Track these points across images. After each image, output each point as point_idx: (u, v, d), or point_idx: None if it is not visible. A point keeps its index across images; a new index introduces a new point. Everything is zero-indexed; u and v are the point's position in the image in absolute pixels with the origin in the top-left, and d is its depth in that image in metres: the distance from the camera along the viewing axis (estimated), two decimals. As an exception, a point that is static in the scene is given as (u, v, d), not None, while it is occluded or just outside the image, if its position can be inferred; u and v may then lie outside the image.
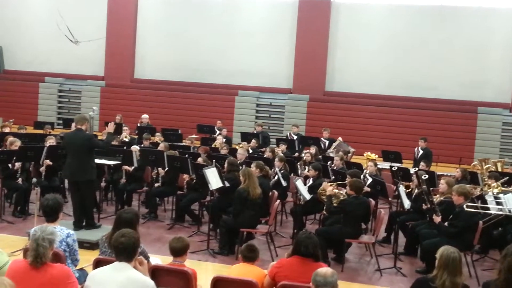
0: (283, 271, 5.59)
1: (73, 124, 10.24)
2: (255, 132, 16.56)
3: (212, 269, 8.13)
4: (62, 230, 5.76)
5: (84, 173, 9.06)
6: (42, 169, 10.64)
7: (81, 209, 9.19)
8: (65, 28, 19.69)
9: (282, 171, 10.89)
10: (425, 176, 8.83)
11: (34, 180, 9.61)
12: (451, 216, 8.45)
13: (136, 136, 15.33)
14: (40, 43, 23.50)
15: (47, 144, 10.98)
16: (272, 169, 11.05)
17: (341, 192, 9.17)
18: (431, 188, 9.00)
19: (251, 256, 5.97)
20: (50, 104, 23.34)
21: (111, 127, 9.58)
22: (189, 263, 5.97)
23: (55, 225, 5.66)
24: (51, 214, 5.89)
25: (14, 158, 10.25)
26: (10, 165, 10.28)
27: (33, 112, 22.73)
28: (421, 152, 15.13)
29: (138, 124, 16.64)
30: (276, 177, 10.80)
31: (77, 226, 8.97)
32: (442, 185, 9.38)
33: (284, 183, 10.75)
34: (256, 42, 21.82)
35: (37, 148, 10.75)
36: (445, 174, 12.97)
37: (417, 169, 11.52)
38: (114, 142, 12.34)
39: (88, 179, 9.14)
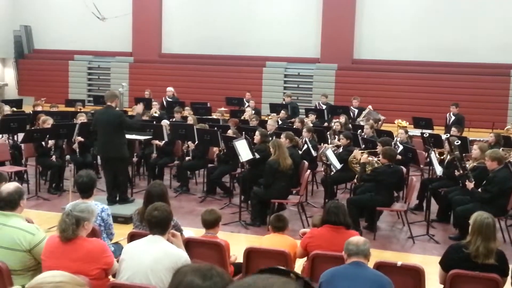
0: (315, 241, 5.62)
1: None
2: (283, 103, 16.50)
3: (244, 240, 8.18)
4: (96, 205, 5.87)
5: (115, 150, 9.13)
6: (75, 146, 10.79)
7: (114, 184, 9.31)
8: (91, 5, 19.77)
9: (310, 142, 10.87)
10: (457, 142, 8.72)
11: (68, 157, 9.78)
12: (484, 182, 8.35)
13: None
14: (68, 21, 23.67)
15: (78, 121, 11.12)
16: (300, 139, 11.02)
17: (374, 159, 9.13)
18: (464, 154, 8.89)
19: (280, 226, 6.01)
20: (80, 82, 23.59)
21: (140, 108, 9.68)
22: (222, 235, 6.03)
23: (90, 201, 5.76)
24: (85, 190, 6.00)
25: (47, 136, 10.42)
26: (43, 143, 10.45)
27: (64, 90, 23.01)
28: (453, 118, 14.93)
29: (164, 98, 16.63)
30: (305, 147, 10.78)
31: (111, 201, 9.10)
32: (475, 150, 9.24)
33: (314, 153, 10.74)
34: (283, 12, 21.63)
35: (69, 126, 10.90)
36: (478, 139, 12.77)
37: (449, 135, 11.38)
38: (144, 117, 12.47)
39: (119, 156, 9.21)
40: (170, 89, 16.95)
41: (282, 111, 14.70)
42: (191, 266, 2.41)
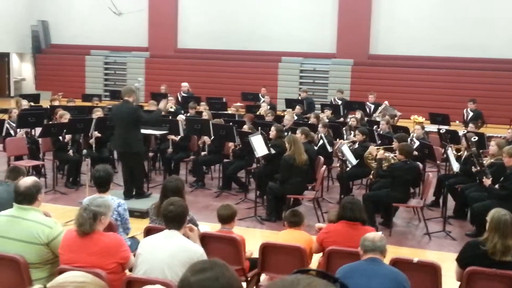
0: (330, 237, 5.60)
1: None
2: (299, 98, 16.46)
3: (260, 236, 8.20)
4: (113, 200, 5.90)
5: (130, 145, 9.14)
6: (92, 141, 10.85)
7: (131, 179, 9.36)
8: (108, 0, 19.86)
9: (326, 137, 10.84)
10: (474, 138, 8.66)
11: (85, 151, 9.86)
12: (502, 178, 8.28)
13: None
14: (85, 16, 23.79)
15: (95, 116, 11.18)
16: (316, 135, 11.00)
17: (390, 155, 9.09)
18: (481, 150, 8.81)
19: (295, 221, 6.00)
20: (97, 77, 23.72)
21: (163, 105, 9.81)
22: (237, 230, 6.04)
23: (106, 195, 5.80)
24: (102, 184, 6.05)
25: (65, 130, 10.50)
26: (60, 137, 10.53)
27: (81, 85, 23.15)
28: (470, 114, 14.81)
29: (179, 94, 16.66)
30: (321, 142, 10.75)
31: (127, 195, 9.15)
32: (492, 146, 9.17)
33: (329, 149, 10.72)
34: (299, 7, 21.57)
35: (86, 120, 10.97)
36: (495, 135, 12.68)
37: (466, 131, 11.29)
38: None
39: (135, 151, 9.23)
40: (185, 85, 16.99)
41: (297, 106, 14.66)
42: (188, 269, 2.43)
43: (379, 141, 10.86)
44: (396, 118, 14.11)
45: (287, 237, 5.86)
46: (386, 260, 4.71)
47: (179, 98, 16.33)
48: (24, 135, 11.10)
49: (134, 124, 9.14)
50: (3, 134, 11.09)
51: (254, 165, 10.40)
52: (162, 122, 11.12)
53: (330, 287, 1.86)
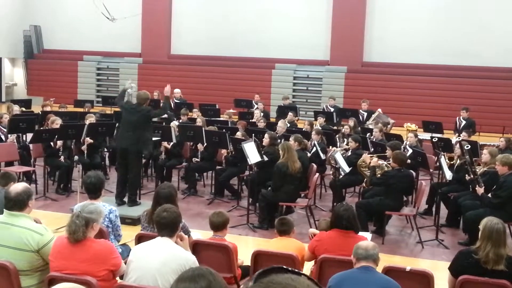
0: (323, 245, 5.57)
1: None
2: (282, 105, 16.46)
3: (252, 243, 8.16)
4: (104, 207, 5.85)
5: (141, 144, 9.13)
6: (84, 147, 10.79)
7: (125, 182, 9.25)
8: (101, 5, 19.80)
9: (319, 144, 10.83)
10: (467, 146, 8.66)
11: (76, 157, 9.79)
12: (494, 187, 8.29)
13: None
14: (78, 21, 23.74)
15: (87, 122, 11.11)
16: (309, 142, 10.99)
17: (384, 163, 9.09)
18: (474, 159, 8.82)
19: (285, 230, 5.99)
20: (89, 82, 23.66)
21: (127, 84, 9.87)
22: (230, 238, 6.00)
23: (98, 202, 5.75)
24: (93, 191, 5.99)
25: (56, 136, 10.42)
26: (52, 143, 10.46)
27: (73, 91, 23.08)
28: (463, 122, 14.85)
29: (171, 100, 16.61)
30: (314, 149, 10.74)
31: (119, 199, 9.08)
32: (485, 155, 9.18)
33: (323, 156, 10.70)
34: (292, 14, 21.61)
35: (78, 126, 10.89)
36: (488, 144, 12.69)
37: (459, 139, 11.31)
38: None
39: (141, 149, 9.23)
40: (177, 91, 16.98)
41: (289, 113, 14.63)
42: (178, 278, 2.41)
43: (372, 149, 10.84)
44: (389, 126, 14.11)
45: (278, 245, 5.83)
46: (379, 269, 4.70)
47: (172, 105, 16.28)
48: (15, 141, 11.02)
49: (146, 124, 9.21)
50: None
51: (247, 172, 10.36)
52: (155, 128, 11.01)
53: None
